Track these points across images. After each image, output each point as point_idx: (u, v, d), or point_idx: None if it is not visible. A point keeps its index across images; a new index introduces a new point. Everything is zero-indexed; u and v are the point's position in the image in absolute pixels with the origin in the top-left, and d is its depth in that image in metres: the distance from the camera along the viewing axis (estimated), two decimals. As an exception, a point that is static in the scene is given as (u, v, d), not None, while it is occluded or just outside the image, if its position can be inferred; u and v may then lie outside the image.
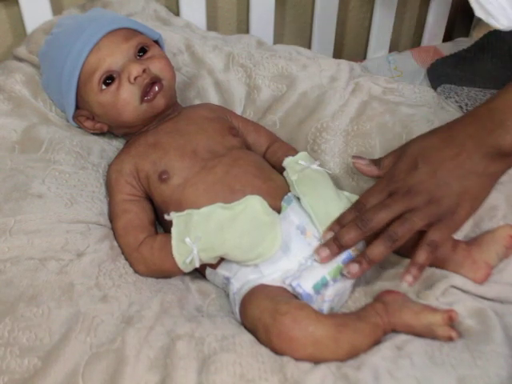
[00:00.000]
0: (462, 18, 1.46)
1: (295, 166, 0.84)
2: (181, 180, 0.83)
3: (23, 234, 0.77)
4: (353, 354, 0.68)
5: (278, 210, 0.80)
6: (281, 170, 0.86)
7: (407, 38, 1.46)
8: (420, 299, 0.75)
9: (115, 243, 0.83)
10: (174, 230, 0.77)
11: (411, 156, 0.80)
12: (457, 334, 0.70)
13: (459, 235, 0.81)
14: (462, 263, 0.78)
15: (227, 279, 0.78)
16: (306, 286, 0.74)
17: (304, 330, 0.68)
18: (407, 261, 0.81)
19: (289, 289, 0.75)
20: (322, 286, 0.74)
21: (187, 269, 0.78)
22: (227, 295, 0.80)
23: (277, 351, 0.68)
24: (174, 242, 0.76)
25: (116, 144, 0.96)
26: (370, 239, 0.78)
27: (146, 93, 0.86)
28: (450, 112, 0.95)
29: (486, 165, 0.78)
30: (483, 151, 0.77)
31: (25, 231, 0.78)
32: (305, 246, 0.78)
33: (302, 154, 0.86)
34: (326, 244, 0.76)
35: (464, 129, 0.80)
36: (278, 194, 0.82)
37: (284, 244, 0.76)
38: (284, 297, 0.73)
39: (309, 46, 1.33)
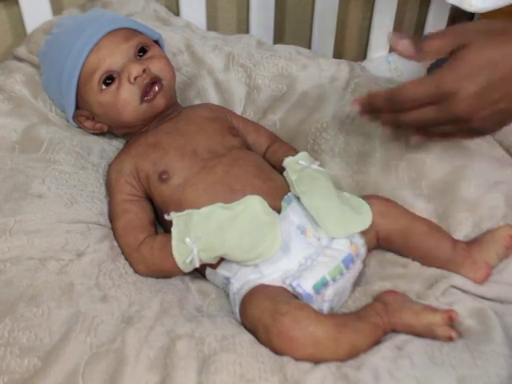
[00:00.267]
0: (461, 18, 1.46)
1: (295, 165, 0.84)
2: (181, 180, 0.83)
3: (23, 234, 0.77)
4: (353, 353, 0.68)
5: (278, 210, 0.80)
6: (281, 169, 0.86)
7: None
8: (420, 299, 0.75)
9: (115, 243, 0.83)
10: (174, 229, 0.77)
11: (472, 65, 0.69)
12: (457, 334, 0.70)
13: (459, 235, 0.81)
14: (462, 263, 0.78)
15: (227, 279, 0.78)
16: (306, 285, 0.74)
17: (304, 330, 0.68)
18: (407, 261, 0.82)
19: (289, 289, 0.75)
20: (321, 285, 0.74)
21: (187, 269, 0.78)
22: (227, 295, 0.80)
23: (277, 351, 0.68)
24: (174, 241, 0.76)
25: (116, 144, 0.96)
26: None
27: (146, 93, 0.86)
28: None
29: None
30: None
31: (25, 231, 0.78)
32: (305, 245, 0.78)
33: (302, 154, 0.86)
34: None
35: None
36: (277, 193, 0.82)
37: (284, 244, 0.76)
38: (284, 297, 0.73)
39: (309, 46, 1.33)
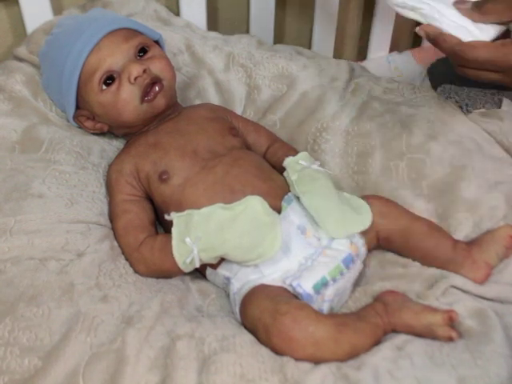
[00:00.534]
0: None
1: (295, 165, 0.84)
2: (181, 180, 0.83)
3: (23, 234, 0.78)
4: (353, 354, 0.68)
5: (279, 210, 0.80)
6: (281, 170, 0.86)
7: (407, 38, 1.46)
8: (420, 299, 0.75)
9: (115, 243, 0.83)
10: (174, 230, 0.77)
11: None
12: (457, 335, 0.70)
13: (459, 235, 0.81)
14: (462, 263, 0.78)
15: (227, 279, 0.78)
16: (306, 285, 0.74)
17: (304, 330, 0.68)
18: (407, 261, 0.81)
19: (289, 289, 0.75)
20: (321, 285, 0.74)
21: (187, 269, 0.78)
22: (227, 295, 0.80)
23: (277, 351, 0.68)
24: (174, 242, 0.76)
25: (116, 144, 0.96)
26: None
27: (146, 93, 0.86)
28: (451, 112, 0.95)
29: None
30: None
31: (25, 231, 0.78)
32: (305, 245, 0.78)
33: (302, 154, 0.86)
34: None
35: None
36: (278, 193, 0.82)
37: (284, 244, 0.76)
38: (284, 297, 0.73)
39: (309, 46, 1.33)
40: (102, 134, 0.95)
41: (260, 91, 1.03)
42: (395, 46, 1.41)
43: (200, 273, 0.83)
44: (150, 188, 0.85)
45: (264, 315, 0.70)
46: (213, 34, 1.14)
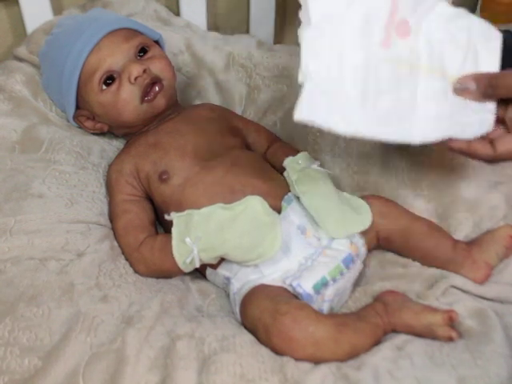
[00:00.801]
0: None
1: (295, 165, 0.84)
2: (181, 180, 0.83)
3: (23, 234, 0.78)
4: (353, 354, 0.68)
5: (279, 210, 0.80)
6: (281, 170, 0.86)
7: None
8: (420, 299, 0.75)
9: (115, 243, 0.83)
10: (174, 230, 0.77)
11: None
12: (457, 335, 0.70)
13: (459, 235, 0.81)
14: (462, 263, 0.78)
15: (228, 279, 0.78)
16: (306, 285, 0.74)
17: (304, 330, 0.68)
18: (407, 261, 0.81)
19: (289, 289, 0.75)
20: (321, 285, 0.74)
21: (187, 269, 0.78)
22: (227, 295, 0.80)
23: (277, 351, 0.68)
24: (174, 242, 0.76)
25: (116, 144, 0.96)
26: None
27: (146, 93, 0.86)
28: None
29: None
30: None
31: (25, 231, 0.78)
32: (305, 245, 0.78)
33: (302, 154, 0.86)
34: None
35: None
36: (278, 193, 0.82)
37: (284, 244, 0.76)
38: (284, 297, 0.73)
39: (309, 46, 1.33)
40: (102, 133, 0.95)
41: (260, 91, 1.03)
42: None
43: (200, 273, 0.83)
44: (150, 188, 0.85)
45: (264, 315, 0.70)
46: (213, 33, 1.14)
